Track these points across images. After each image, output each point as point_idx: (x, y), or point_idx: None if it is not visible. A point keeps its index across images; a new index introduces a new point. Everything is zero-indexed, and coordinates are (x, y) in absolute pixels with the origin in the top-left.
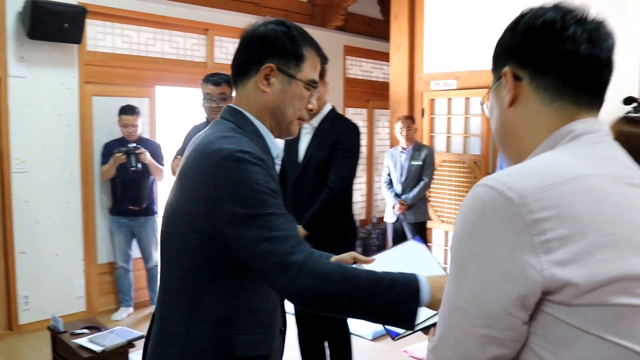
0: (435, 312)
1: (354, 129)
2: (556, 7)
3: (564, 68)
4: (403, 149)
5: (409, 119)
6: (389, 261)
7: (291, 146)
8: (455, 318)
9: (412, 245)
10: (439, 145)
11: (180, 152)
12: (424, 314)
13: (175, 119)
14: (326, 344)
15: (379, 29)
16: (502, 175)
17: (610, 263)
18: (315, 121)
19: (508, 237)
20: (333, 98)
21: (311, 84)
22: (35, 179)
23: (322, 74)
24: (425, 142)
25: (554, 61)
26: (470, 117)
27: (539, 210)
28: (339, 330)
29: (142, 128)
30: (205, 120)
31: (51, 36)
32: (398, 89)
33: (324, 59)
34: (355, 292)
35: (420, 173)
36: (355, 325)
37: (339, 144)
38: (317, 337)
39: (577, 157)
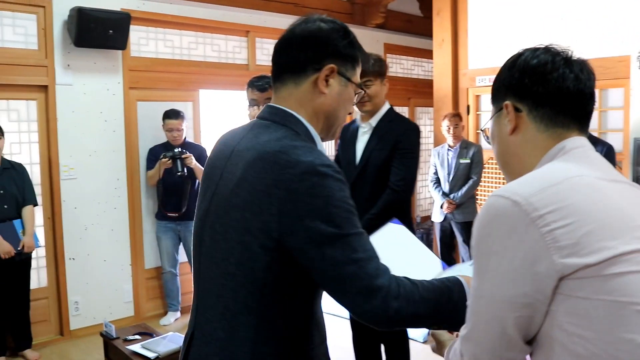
0: None
1: (414, 129)
2: (547, 50)
3: (557, 102)
4: (450, 147)
5: (457, 117)
6: (378, 247)
7: (348, 146)
8: (482, 305)
9: (392, 228)
10: (485, 142)
11: None
12: None
13: (219, 122)
14: (382, 348)
15: (419, 26)
16: (509, 186)
17: (610, 241)
18: (374, 120)
19: (519, 233)
20: None
21: (360, 87)
22: (83, 186)
23: (382, 73)
24: (471, 139)
25: (548, 96)
26: None
27: (542, 207)
28: (397, 333)
29: (186, 132)
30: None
31: (96, 43)
32: (442, 86)
33: (366, 63)
34: (433, 308)
35: (469, 171)
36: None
37: (399, 144)
38: (373, 340)
39: (568, 163)
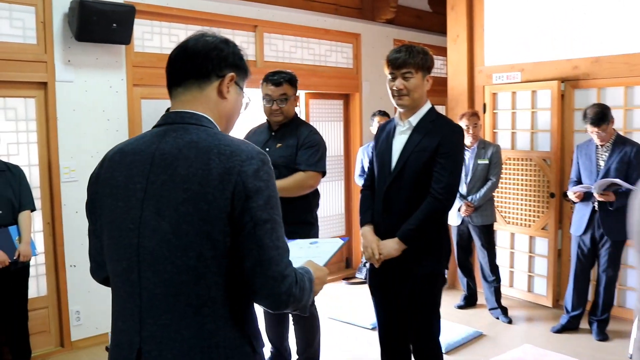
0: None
1: (459, 132)
2: None
3: None
4: (467, 147)
5: (475, 116)
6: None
7: (383, 146)
8: None
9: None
10: (503, 142)
11: None
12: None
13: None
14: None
15: (428, 22)
16: None
17: None
18: (414, 119)
19: None
20: (383, 95)
21: (247, 97)
22: (84, 189)
23: (425, 66)
24: (488, 138)
25: None
26: (538, 112)
27: None
28: (431, 348)
29: None
30: (266, 122)
31: (99, 37)
32: (456, 84)
33: (398, 52)
34: (306, 296)
35: (487, 172)
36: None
37: (441, 147)
38: (401, 342)
39: None
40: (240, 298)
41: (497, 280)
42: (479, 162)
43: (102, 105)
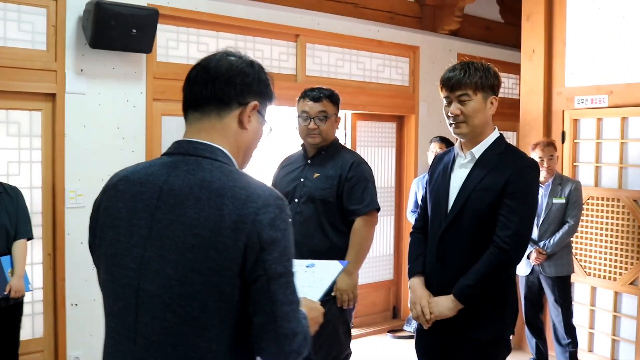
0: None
1: (532, 167)
2: None
3: None
4: (541, 183)
5: (551, 146)
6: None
7: (437, 181)
8: None
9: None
10: (585, 177)
11: None
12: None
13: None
14: None
15: (499, 34)
16: None
17: None
18: (478, 150)
19: None
20: (444, 118)
21: (269, 126)
22: None
23: (487, 86)
24: (566, 173)
25: None
26: (629, 143)
27: None
28: None
29: None
30: (302, 147)
31: (117, 45)
32: (530, 107)
33: (451, 72)
34: (308, 345)
35: (564, 213)
36: None
37: (510, 186)
38: None
39: None
40: (245, 353)
41: (574, 343)
42: (555, 200)
43: (117, 122)
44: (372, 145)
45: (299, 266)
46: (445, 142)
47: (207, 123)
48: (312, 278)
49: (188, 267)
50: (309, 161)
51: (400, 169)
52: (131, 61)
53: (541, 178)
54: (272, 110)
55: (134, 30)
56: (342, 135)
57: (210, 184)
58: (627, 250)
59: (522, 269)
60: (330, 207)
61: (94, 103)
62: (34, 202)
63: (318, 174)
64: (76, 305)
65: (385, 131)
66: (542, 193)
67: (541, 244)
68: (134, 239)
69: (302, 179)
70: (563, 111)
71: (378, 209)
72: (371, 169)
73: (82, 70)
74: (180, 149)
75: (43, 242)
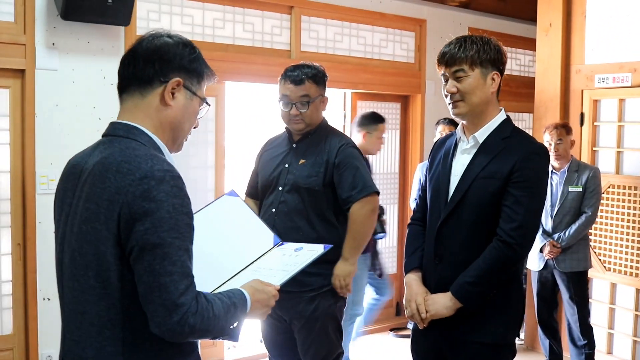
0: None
1: (542, 153)
2: None
3: None
4: (555, 169)
5: (563, 128)
6: (210, 222)
7: (437, 168)
8: None
9: (227, 201)
10: (605, 164)
11: (254, 184)
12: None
13: (250, 124)
14: None
15: (513, 6)
16: None
17: None
18: (481, 134)
19: None
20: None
21: (206, 102)
22: None
23: (484, 61)
24: (585, 159)
25: None
26: None
27: None
28: None
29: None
30: (286, 130)
31: (91, 16)
32: (547, 86)
33: (213, 78)
34: (220, 325)
35: (580, 203)
36: None
37: (516, 174)
38: None
39: None
40: (145, 324)
41: (590, 345)
42: (571, 189)
43: (93, 101)
44: None
45: (287, 250)
46: (454, 124)
47: (130, 103)
48: (290, 261)
49: (83, 239)
50: (294, 145)
51: (404, 153)
52: (108, 34)
53: (555, 164)
54: (249, 88)
55: (110, 1)
56: (342, 116)
57: (105, 159)
58: None
59: (535, 264)
60: (317, 196)
61: (67, 80)
62: (2, 188)
63: (304, 160)
64: (48, 299)
65: (389, 112)
66: (557, 181)
67: (555, 236)
68: (62, 217)
69: (286, 165)
70: (582, 91)
71: (377, 193)
72: (361, 152)
73: (53, 44)
74: (106, 130)
75: (12, 232)
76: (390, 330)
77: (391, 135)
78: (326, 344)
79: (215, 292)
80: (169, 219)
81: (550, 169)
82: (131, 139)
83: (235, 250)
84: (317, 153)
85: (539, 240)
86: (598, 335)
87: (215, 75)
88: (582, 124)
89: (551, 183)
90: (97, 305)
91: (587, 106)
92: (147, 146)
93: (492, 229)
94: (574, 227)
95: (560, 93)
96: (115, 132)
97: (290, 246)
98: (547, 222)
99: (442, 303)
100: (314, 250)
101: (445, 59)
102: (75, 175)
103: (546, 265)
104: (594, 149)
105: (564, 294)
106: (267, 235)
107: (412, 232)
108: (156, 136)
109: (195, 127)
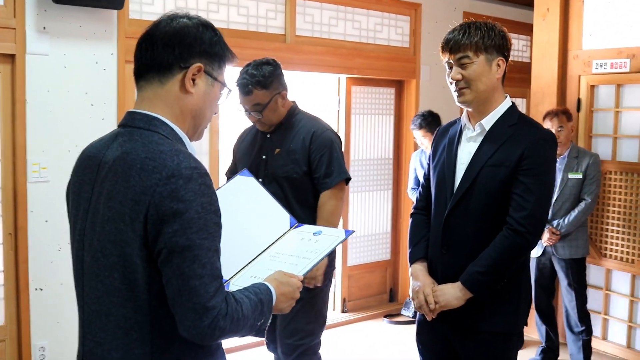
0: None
1: (549, 140)
2: None
3: None
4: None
5: (564, 115)
6: (225, 203)
7: (445, 156)
8: None
9: (241, 181)
10: (602, 150)
11: (231, 172)
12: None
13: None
14: None
15: None
16: None
17: None
18: (488, 122)
19: None
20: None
21: (226, 86)
22: (58, 191)
23: (490, 47)
24: (582, 145)
25: None
26: None
27: None
28: None
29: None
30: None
31: (84, 0)
32: (543, 72)
33: (234, 59)
34: (249, 324)
35: (580, 190)
36: None
37: (525, 162)
38: None
39: None
40: (172, 327)
41: (588, 331)
42: (570, 175)
43: (85, 86)
44: (368, 112)
45: (306, 233)
46: (429, 125)
47: (150, 91)
48: (310, 248)
49: (106, 239)
50: (268, 135)
51: (399, 139)
52: (100, 18)
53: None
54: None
55: None
56: (336, 101)
57: (127, 155)
58: None
59: (533, 251)
60: (297, 183)
61: (58, 65)
62: None
63: (279, 149)
64: (41, 289)
65: (383, 97)
66: (557, 167)
67: (554, 223)
68: (80, 212)
69: (263, 157)
70: (579, 76)
71: (347, 180)
72: (337, 135)
73: (44, 28)
74: (124, 120)
75: (3, 221)
76: (385, 316)
77: (385, 121)
78: (302, 328)
79: (235, 278)
80: (197, 220)
81: None
82: (152, 131)
83: (252, 232)
84: (291, 140)
85: None
86: (594, 321)
87: (236, 57)
88: (579, 110)
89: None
90: (124, 307)
91: (584, 92)
92: (170, 139)
93: (500, 217)
94: (573, 214)
95: (558, 79)
96: (135, 124)
97: (308, 229)
98: None
99: (452, 294)
100: (334, 236)
101: (450, 46)
102: (93, 169)
103: (544, 251)
104: (590, 135)
105: (562, 281)
106: (283, 215)
107: (415, 221)
108: (177, 126)
109: (215, 114)
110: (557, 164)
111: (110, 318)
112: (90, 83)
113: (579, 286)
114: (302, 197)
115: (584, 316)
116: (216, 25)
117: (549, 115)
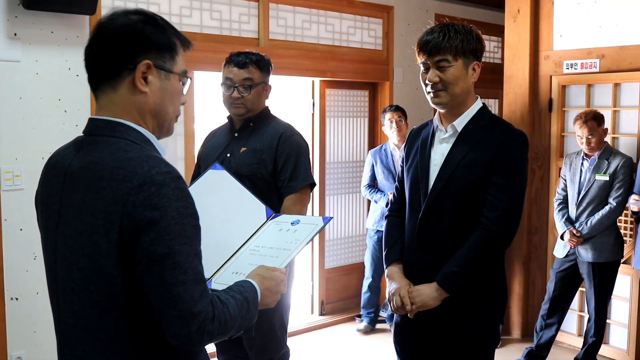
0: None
1: (521, 140)
2: None
3: None
4: (586, 155)
5: (594, 120)
6: (200, 198)
7: (418, 158)
8: None
9: (214, 175)
10: (573, 150)
11: (197, 175)
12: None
13: (219, 114)
14: None
15: None
16: None
17: None
18: (460, 123)
19: None
20: (421, 85)
21: (185, 76)
22: (32, 199)
23: (467, 51)
24: (555, 145)
25: None
26: (621, 111)
27: None
28: None
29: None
30: (228, 120)
31: (55, 5)
32: (515, 72)
33: (187, 45)
34: (237, 325)
35: (607, 192)
36: None
37: (498, 161)
38: None
39: None
40: (156, 337)
41: (599, 338)
42: (597, 177)
43: (58, 93)
44: (342, 115)
45: (284, 223)
46: (400, 111)
47: (105, 99)
48: (289, 238)
49: (80, 253)
50: (235, 134)
51: (373, 141)
52: (72, 24)
53: (585, 149)
54: (218, 78)
55: None
56: (310, 104)
57: (94, 165)
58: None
59: (559, 250)
60: (261, 183)
61: (30, 72)
62: None
63: (245, 148)
64: (16, 299)
65: (357, 100)
66: (587, 167)
67: (577, 224)
68: (50, 224)
69: (228, 155)
70: (550, 77)
71: (312, 185)
72: (304, 140)
73: (15, 34)
74: (87, 127)
75: None
76: (357, 316)
77: (360, 123)
78: (272, 342)
79: (217, 276)
80: (174, 226)
81: (582, 154)
82: (118, 137)
83: (229, 226)
84: (258, 141)
85: (560, 227)
86: (568, 315)
87: (190, 42)
88: (550, 109)
89: (581, 169)
90: (103, 320)
91: (556, 92)
92: (137, 144)
93: (474, 217)
94: (596, 217)
95: (529, 79)
96: (99, 132)
97: (286, 219)
98: (572, 209)
99: (428, 294)
100: (312, 224)
101: (429, 48)
102: (58, 178)
103: (568, 253)
104: (562, 134)
105: (586, 284)
106: (259, 207)
107: (390, 223)
108: (141, 127)
109: (183, 104)
110: (587, 164)
111: (88, 331)
112: (63, 89)
113: (599, 293)
114: (264, 198)
115: (600, 326)
116: (190, 29)
117: (577, 121)
